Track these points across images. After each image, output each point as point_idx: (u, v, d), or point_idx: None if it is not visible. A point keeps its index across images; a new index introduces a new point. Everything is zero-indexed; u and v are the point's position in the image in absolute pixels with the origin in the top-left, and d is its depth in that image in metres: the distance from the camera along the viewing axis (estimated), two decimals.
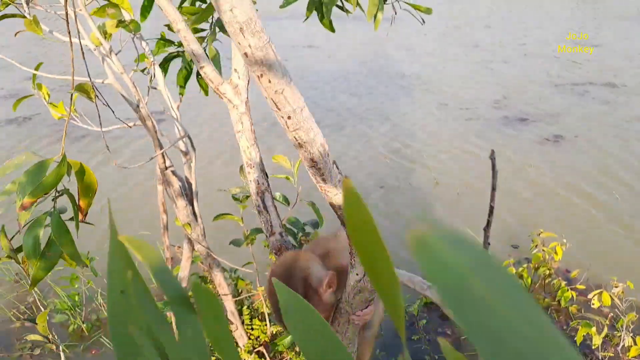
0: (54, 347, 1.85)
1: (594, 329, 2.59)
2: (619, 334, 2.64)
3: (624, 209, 4.74)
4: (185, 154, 2.15)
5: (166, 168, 2.03)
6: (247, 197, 2.23)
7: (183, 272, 2.28)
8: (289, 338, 2.32)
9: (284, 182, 2.15)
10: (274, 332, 2.40)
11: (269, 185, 1.27)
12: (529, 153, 5.96)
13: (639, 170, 5.47)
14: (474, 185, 5.39)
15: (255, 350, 2.36)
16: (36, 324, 1.70)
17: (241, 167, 2.06)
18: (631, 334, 2.57)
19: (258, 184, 1.23)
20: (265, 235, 1.29)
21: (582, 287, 3.73)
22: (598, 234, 4.44)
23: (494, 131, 6.62)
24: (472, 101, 7.57)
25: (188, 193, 2.14)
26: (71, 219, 1.67)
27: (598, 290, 2.77)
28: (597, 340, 2.60)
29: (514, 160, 5.79)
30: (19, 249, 1.57)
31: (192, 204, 2.15)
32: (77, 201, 1.58)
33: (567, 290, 3.64)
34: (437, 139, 6.51)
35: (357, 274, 1.10)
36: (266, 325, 2.39)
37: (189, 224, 2.13)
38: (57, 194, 1.68)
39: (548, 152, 5.96)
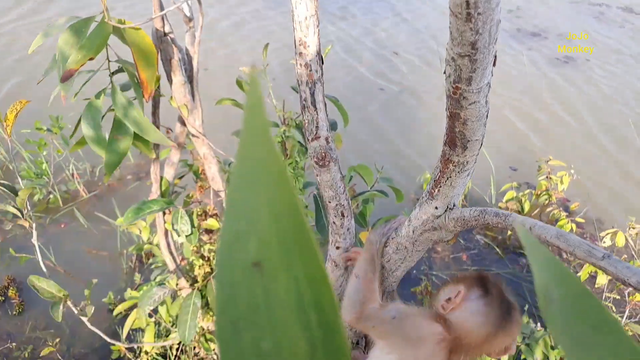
0: (27, 223, 1.58)
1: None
2: None
3: (634, 139, 4.53)
4: (190, 20, 1.75)
5: (165, 34, 1.65)
6: None
7: (172, 157, 1.97)
8: None
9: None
10: None
11: (322, 74, 0.93)
12: (537, 72, 5.61)
13: None
14: None
15: None
16: (16, 195, 1.44)
17: (266, 46, 1.69)
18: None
19: (310, 70, 0.89)
20: (306, 138, 0.97)
21: (581, 220, 3.59)
22: (604, 165, 4.25)
23: (503, 44, 6.19)
24: None
25: (188, 68, 1.77)
26: (134, 98, 1.40)
27: (613, 230, 2.59)
28: (602, 280, 2.46)
29: (520, 79, 5.45)
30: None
31: (191, 82, 1.79)
32: (137, 74, 1.28)
33: (568, 222, 3.50)
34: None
35: (436, 208, 0.81)
36: None
37: (186, 106, 1.78)
38: (111, 70, 1.36)
39: (557, 73, 5.62)
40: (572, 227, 3.50)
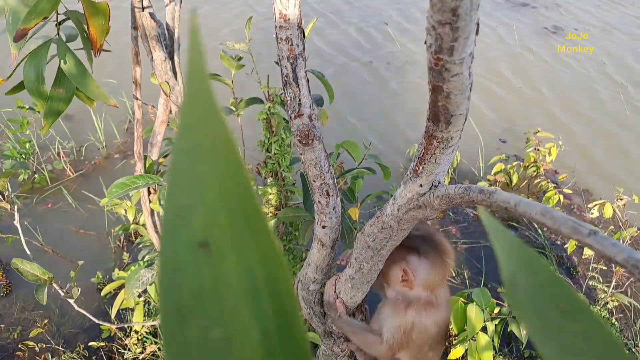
0: (8, 206, 1.55)
1: None
2: None
3: (620, 111, 4.53)
4: None
5: (142, 8, 1.60)
6: (240, 58, 1.83)
7: (155, 136, 1.93)
8: (271, 222, 2.08)
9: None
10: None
11: (304, 49, 0.91)
12: (525, 42, 5.57)
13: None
14: None
15: None
16: None
17: (249, 19, 1.64)
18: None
19: (291, 45, 0.86)
20: (289, 116, 0.94)
21: (569, 191, 3.60)
22: (592, 137, 4.25)
23: (493, 14, 6.12)
24: None
25: (169, 44, 1.73)
26: (81, 49, 1.34)
27: (600, 201, 2.60)
28: (590, 251, 2.48)
29: (509, 50, 5.41)
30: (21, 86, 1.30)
31: (172, 58, 1.74)
32: (86, 28, 1.25)
33: (556, 193, 3.52)
34: None
35: (420, 185, 0.80)
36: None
37: (167, 82, 1.74)
38: (59, 20, 1.32)
39: (545, 44, 5.58)
40: (559, 198, 3.51)
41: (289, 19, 0.85)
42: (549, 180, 3.84)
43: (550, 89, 4.79)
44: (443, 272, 1.10)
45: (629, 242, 2.44)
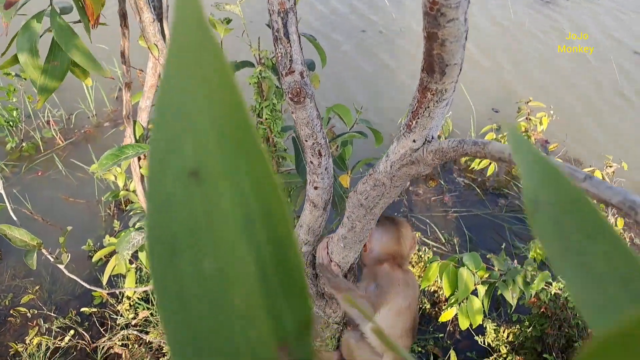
0: None
1: None
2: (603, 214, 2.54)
3: (615, 82, 4.53)
4: None
5: None
6: (230, 20, 1.80)
7: (144, 101, 1.90)
8: None
9: None
10: None
11: (295, 3, 0.88)
12: (517, 13, 5.52)
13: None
14: None
15: None
16: None
17: None
18: (616, 216, 2.47)
19: None
20: (280, 73, 0.93)
21: (559, 160, 3.60)
22: (583, 107, 4.26)
23: None
24: None
25: (157, 5, 1.69)
26: (78, 21, 1.32)
27: (590, 168, 2.61)
28: None
29: (501, 22, 5.36)
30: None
31: (160, 20, 1.71)
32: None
33: None
34: None
35: (414, 141, 0.79)
36: None
37: (156, 45, 1.70)
38: None
39: (538, 14, 5.54)
40: None
41: None
42: (539, 149, 3.84)
43: (542, 61, 4.77)
44: (397, 238, 1.26)
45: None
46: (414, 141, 0.80)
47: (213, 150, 0.19)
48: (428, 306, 2.65)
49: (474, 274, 1.96)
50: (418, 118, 0.76)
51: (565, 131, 3.96)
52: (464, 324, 2.01)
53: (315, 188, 1.15)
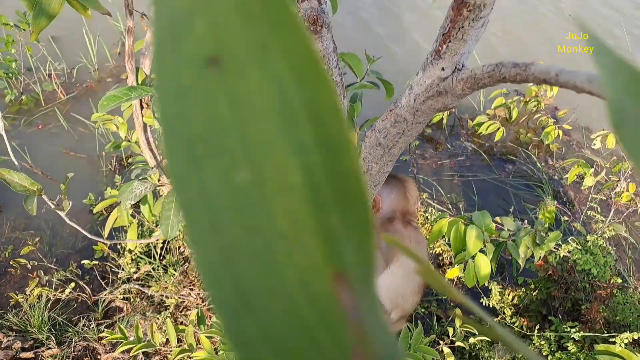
0: None
1: (591, 169, 2.42)
2: (615, 179, 2.49)
3: (625, 42, 4.42)
4: None
5: None
6: None
7: (147, 47, 1.83)
8: None
9: None
10: None
11: None
12: None
13: None
14: None
15: None
16: None
17: None
18: (628, 180, 2.42)
19: None
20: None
21: (568, 127, 3.55)
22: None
23: None
24: None
25: None
26: None
27: (604, 131, 2.55)
28: (589, 182, 2.45)
29: None
30: None
31: None
32: None
33: (555, 128, 3.47)
34: None
35: (442, 69, 0.73)
36: None
37: None
38: None
39: None
40: (559, 134, 3.47)
41: None
42: (548, 115, 3.78)
43: (554, 22, 4.65)
44: (404, 194, 1.28)
45: (630, 172, 2.41)
46: (443, 69, 0.74)
47: (234, 26, 0.14)
48: (432, 268, 2.62)
49: (483, 232, 1.92)
50: (449, 41, 0.70)
51: (576, 96, 3.87)
52: (470, 282, 1.97)
53: None
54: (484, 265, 1.93)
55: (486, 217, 1.96)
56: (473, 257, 1.97)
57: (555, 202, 2.30)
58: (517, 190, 3.25)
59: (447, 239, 2.11)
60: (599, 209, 2.51)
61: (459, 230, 1.98)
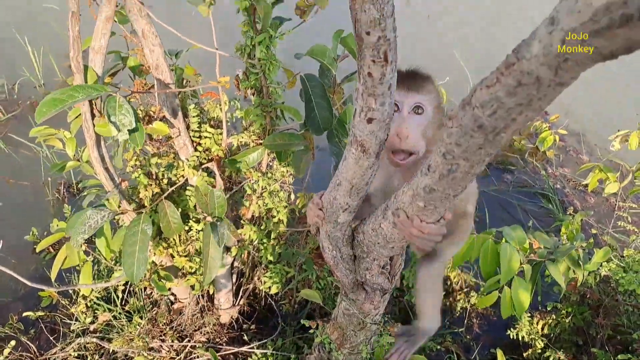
0: None
1: (617, 174, 2.14)
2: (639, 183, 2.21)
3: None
4: None
5: None
6: None
7: (98, 40, 1.45)
8: (255, 153, 1.64)
9: None
10: (233, 146, 1.70)
11: None
12: None
13: None
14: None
15: (203, 166, 1.67)
16: None
17: None
18: None
19: None
20: None
21: (564, 132, 3.31)
22: (585, 79, 3.96)
23: None
24: None
25: None
26: None
27: (623, 131, 2.28)
28: (613, 187, 2.17)
29: None
30: None
31: None
32: None
33: (551, 134, 3.22)
34: None
35: None
36: (221, 134, 1.68)
37: None
38: None
39: None
40: (555, 139, 3.22)
41: None
42: (540, 120, 3.55)
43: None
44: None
45: None
46: None
47: None
48: None
49: (518, 251, 1.60)
50: None
51: (566, 100, 3.66)
52: (506, 312, 1.64)
53: (370, 121, 0.74)
54: (523, 291, 1.61)
55: (519, 232, 1.64)
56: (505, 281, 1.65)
57: (584, 213, 1.99)
58: (520, 201, 2.96)
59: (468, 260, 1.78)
60: (629, 218, 2.22)
61: (490, 249, 1.66)
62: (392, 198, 0.80)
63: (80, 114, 1.56)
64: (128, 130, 1.16)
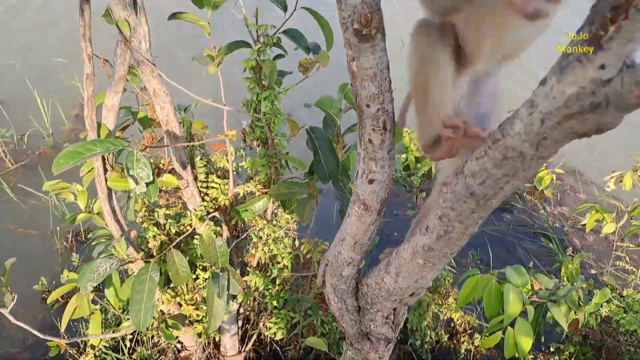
0: None
1: (612, 214, 2.18)
2: (635, 223, 2.26)
3: None
4: None
5: None
6: None
7: (111, 98, 1.53)
8: (260, 202, 1.70)
9: None
10: (239, 195, 1.76)
11: None
12: None
13: None
14: None
15: (210, 215, 1.73)
16: None
17: None
18: None
19: None
20: None
21: (560, 170, 3.37)
22: None
23: None
24: None
25: None
26: None
27: (617, 173, 2.34)
28: (610, 228, 2.21)
29: None
30: None
31: None
32: None
33: (548, 173, 3.28)
34: None
35: (602, 67, 0.46)
36: (228, 184, 1.74)
37: (127, 21, 1.34)
38: None
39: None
40: (552, 178, 3.28)
41: None
42: None
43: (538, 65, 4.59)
44: None
45: None
46: (602, 67, 0.46)
47: None
48: (445, 338, 2.30)
49: (521, 292, 1.64)
50: (626, 18, 0.43)
51: None
52: (509, 352, 1.66)
53: (371, 182, 0.80)
54: (526, 332, 1.63)
55: (522, 273, 1.68)
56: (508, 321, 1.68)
57: (581, 255, 2.04)
58: (520, 240, 3.00)
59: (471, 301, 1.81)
60: (627, 257, 2.26)
61: (494, 290, 1.70)
62: (393, 254, 0.85)
63: (92, 168, 1.62)
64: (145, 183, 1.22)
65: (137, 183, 1.17)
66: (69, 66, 3.41)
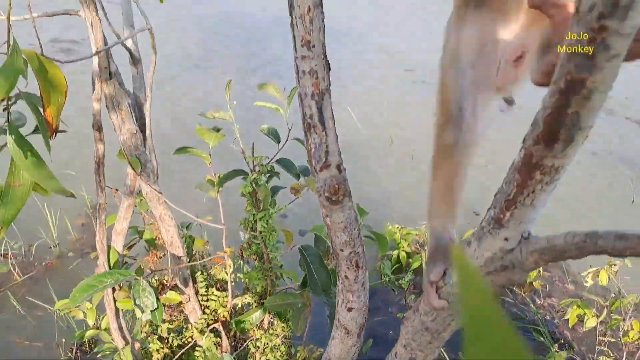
0: None
1: (593, 310, 2.29)
2: (615, 317, 2.36)
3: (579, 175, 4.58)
4: (137, 61, 1.54)
5: (110, 76, 1.42)
6: (219, 129, 1.66)
7: (120, 224, 1.69)
8: (257, 313, 1.82)
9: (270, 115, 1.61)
10: (237, 306, 1.88)
11: (330, 84, 0.74)
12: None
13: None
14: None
15: (210, 327, 1.83)
16: None
17: (228, 83, 1.49)
18: (631, 317, 2.30)
19: (316, 78, 0.69)
20: (313, 169, 0.76)
21: None
22: (556, 204, 4.25)
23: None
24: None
25: (139, 115, 1.54)
26: (35, 131, 1.14)
27: (594, 268, 2.47)
28: (592, 323, 2.31)
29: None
30: None
31: (143, 132, 1.56)
32: (42, 109, 1.04)
33: None
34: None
35: (505, 239, 0.62)
36: (227, 297, 1.87)
37: (138, 159, 1.54)
38: (9, 102, 1.10)
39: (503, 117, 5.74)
40: (540, 270, 3.39)
41: (313, 47, 0.69)
42: None
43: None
44: None
45: (632, 308, 2.30)
46: (506, 240, 0.62)
47: None
48: None
49: None
50: (515, 208, 0.59)
51: (545, 230, 3.89)
52: None
53: (349, 310, 0.94)
54: None
55: None
56: None
57: (565, 350, 2.13)
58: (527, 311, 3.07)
59: None
60: (609, 352, 2.34)
61: None
62: None
63: None
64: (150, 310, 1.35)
65: (142, 311, 1.30)
66: (77, 177, 3.62)
